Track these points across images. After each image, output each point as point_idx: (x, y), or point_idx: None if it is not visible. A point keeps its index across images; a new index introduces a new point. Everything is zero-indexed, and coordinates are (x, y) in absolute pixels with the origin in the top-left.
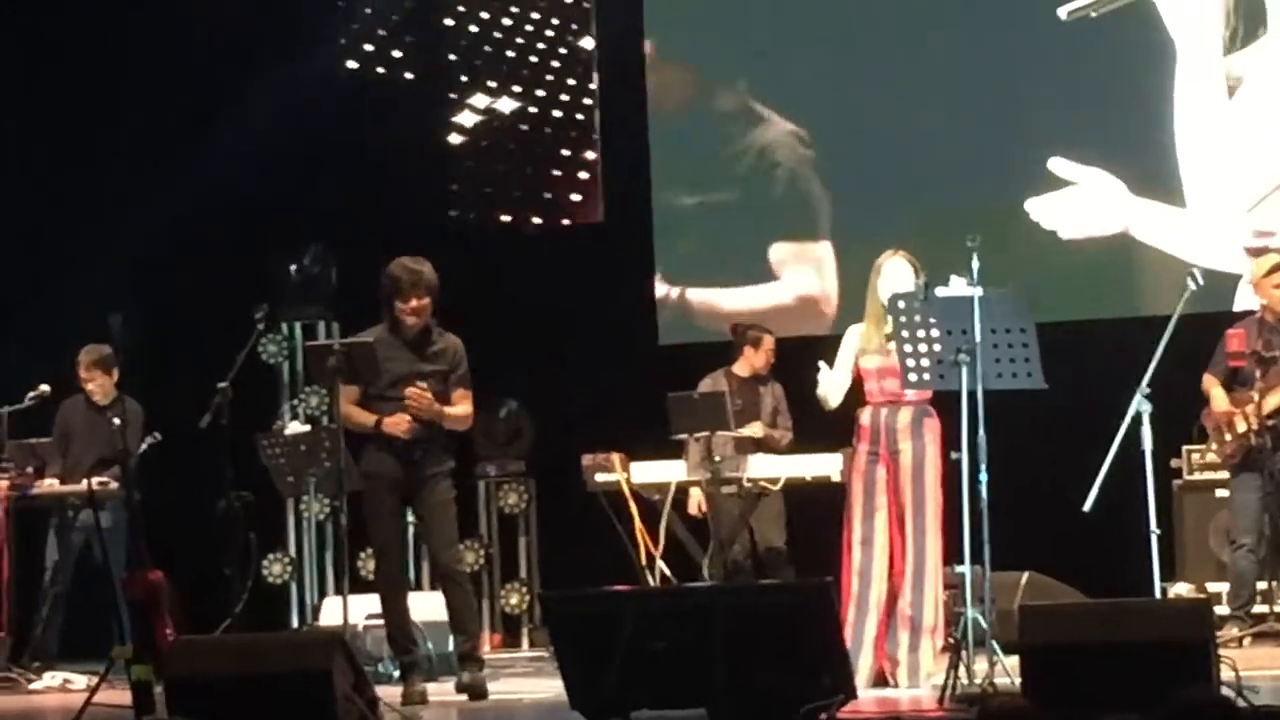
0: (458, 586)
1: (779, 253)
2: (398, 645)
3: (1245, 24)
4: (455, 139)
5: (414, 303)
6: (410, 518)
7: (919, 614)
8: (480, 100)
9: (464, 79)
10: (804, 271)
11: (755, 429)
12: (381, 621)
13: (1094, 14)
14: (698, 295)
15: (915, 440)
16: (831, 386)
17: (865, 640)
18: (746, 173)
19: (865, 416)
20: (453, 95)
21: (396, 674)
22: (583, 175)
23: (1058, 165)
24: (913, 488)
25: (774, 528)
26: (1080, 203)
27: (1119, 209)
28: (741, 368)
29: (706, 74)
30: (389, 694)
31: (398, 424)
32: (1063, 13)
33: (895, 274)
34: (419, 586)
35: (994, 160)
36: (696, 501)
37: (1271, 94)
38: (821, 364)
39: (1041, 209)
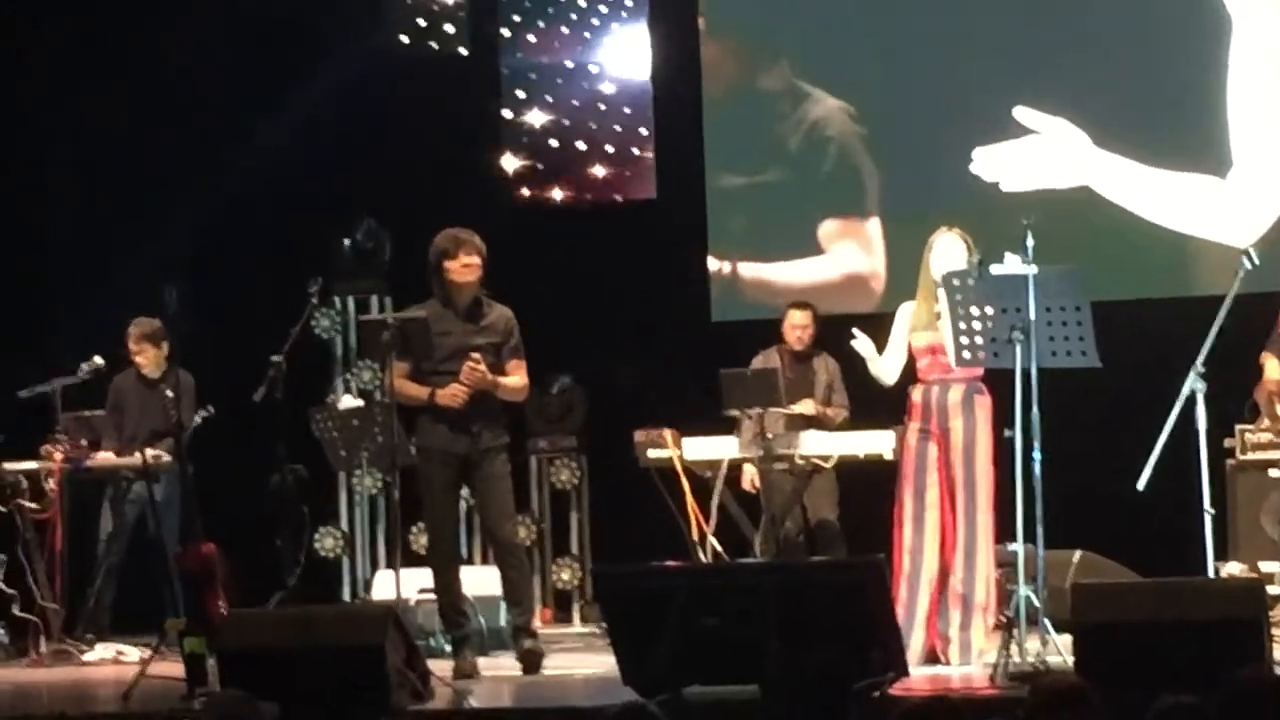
0: (515, 560)
1: (828, 229)
2: (449, 619)
3: None
4: (510, 115)
5: (464, 258)
6: (464, 492)
7: (971, 591)
8: (534, 76)
9: (518, 54)
10: (852, 248)
11: (807, 406)
12: (433, 596)
13: None
14: (749, 270)
15: (966, 418)
16: (886, 365)
17: (917, 618)
18: (797, 149)
19: (917, 394)
20: (507, 70)
21: (448, 648)
22: (636, 152)
23: (1022, 114)
24: (964, 465)
25: (826, 504)
26: (1037, 153)
27: (1079, 162)
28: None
29: (756, 50)
30: (440, 668)
31: (454, 396)
32: None
33: (948, 251)
34: (470, 560)
35: None
36: (749, 477)
37: None
38: (856, 331)
39: (988, 159)
